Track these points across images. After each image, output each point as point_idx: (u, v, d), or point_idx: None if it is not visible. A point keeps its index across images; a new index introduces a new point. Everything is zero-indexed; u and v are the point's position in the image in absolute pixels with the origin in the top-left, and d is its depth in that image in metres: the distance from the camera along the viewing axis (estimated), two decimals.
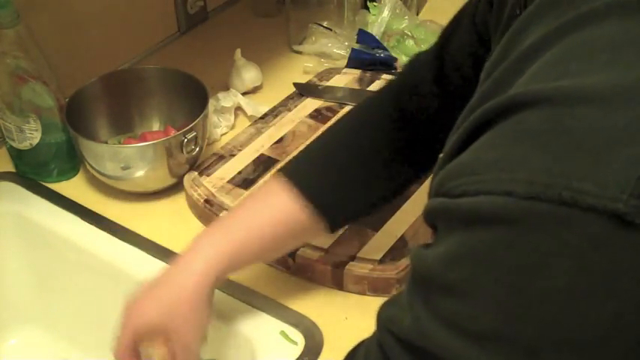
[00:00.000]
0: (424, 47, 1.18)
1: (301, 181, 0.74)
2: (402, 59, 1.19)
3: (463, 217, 0.42)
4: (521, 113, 0.41)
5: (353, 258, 0.84)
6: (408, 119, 0.77)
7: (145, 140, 0.98)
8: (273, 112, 1.08)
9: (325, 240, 0.86)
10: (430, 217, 0.48)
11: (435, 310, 0.44)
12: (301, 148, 1.00)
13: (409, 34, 1.21)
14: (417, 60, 0.79)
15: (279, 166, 0.97)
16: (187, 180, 0.96)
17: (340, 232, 0.87)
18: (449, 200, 0.44)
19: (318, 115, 1.07)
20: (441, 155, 0.51)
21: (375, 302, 0.83)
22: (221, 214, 0.90)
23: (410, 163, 0.79)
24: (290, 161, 0.82)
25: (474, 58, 0.68)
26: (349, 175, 0.77)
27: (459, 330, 0.42)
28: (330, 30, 1.24)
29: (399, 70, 1.16)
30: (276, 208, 0.74)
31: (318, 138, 0.83)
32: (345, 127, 0.81)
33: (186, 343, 0.71)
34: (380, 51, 1.18)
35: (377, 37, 1.20)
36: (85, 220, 0.94)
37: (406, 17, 1.23)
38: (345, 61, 1.20)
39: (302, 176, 0.75)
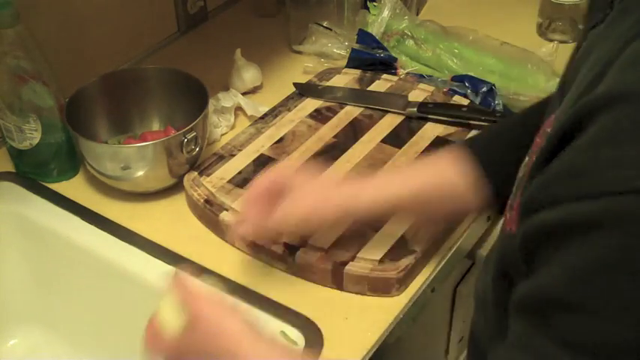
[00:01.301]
0: (424, 47, 1.19)
1: (483, 159, 0.76)
2: (402, 59, 1.19)
3: (584, 222, 0.39)
4: (633, 105, 0.39)
5: (353, 258, 0.84)
6: None
7: (145, 140, 0.98)
8: (273, 112, 1.08)
9: (325, 240, 0.86)
10: (533, 239, 0.44)
11: (561, 337, 0.41)
12: (301, 148, 1.01)
13: (409, 34, 1.21)
14: None
15: None
16: (187, 180, 0.96)
17: (340, 232, 0.87)
18: (562, 208, 0.40)
19: (318, 115, 1.07)
20: (525, 161, 0.50)
21: (375, 302, 0.84)
22: (221, 214, 0.90)
23: None
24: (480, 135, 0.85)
25: None
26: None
27: (596, 350, 0.39)
28: (330, 30, 1.24)
29: (398, 71, 1.16)
30: (450, 179, 0.76)
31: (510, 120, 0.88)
32: (525, 111, 0.83)
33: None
34: (380, 51, 1.18)
35: (377, 37, 1.20)
36: (85, 220, 0.94)
37: (406, 17, 1.23)
38: (345, 61, 1.20)
39: (485, 154, 0.77)
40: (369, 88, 1.13)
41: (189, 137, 0.94)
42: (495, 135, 0.82)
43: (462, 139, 1.00)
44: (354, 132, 1.04)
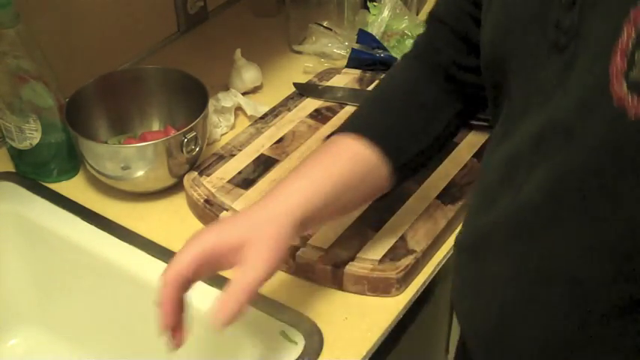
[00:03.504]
0: None
1: (362, 128, 0.75)
2: None
3: None
4: None
5: (353, 258, 0.84)
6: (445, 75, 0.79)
7: (145, 140, 0.98)
8: (273, 112, 1.08)
9: (325, 240, 0.86)
10: None
11: None
12: (301, 148, 1.01)
13: (409, 34, 1.21)
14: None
15: (278, 166, 0.98)
16: (187, 180, 0.96)
17: (340, 232, 0.87)
18: None
19: (318, 115, 1.07)
20: None
21: (375, 302, 0.84)
22: (221, 215, 0.90)
23: (456, 113, 0.80)
24: (346, 120, 0.82)
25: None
26: (405, 118, 0.77)
27: None
28: (330, 30, 1.24)
29: None
30: (345, 150, 0.75)
31: (367, 98, 0.84)
32: (389, 85, 0.83)
33: (261, 259, 0.67)
34: (380, 51, 1.18)
35: (377, 37, 1.20)
36: (85, 220, 0.94)
37: (406, 17, 1.23)
38: (345, 61, 1.20)
39: (362, 124, 0.77)
40: (369, 88, 1.13)
41: (189, 137, 0.94)
42: (371, 114, 0.81)
43: (463, 140, 1.00)
44: None
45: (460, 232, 0.75)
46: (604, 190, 0.53)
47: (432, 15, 0.81)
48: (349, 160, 0.75)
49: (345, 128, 0.78)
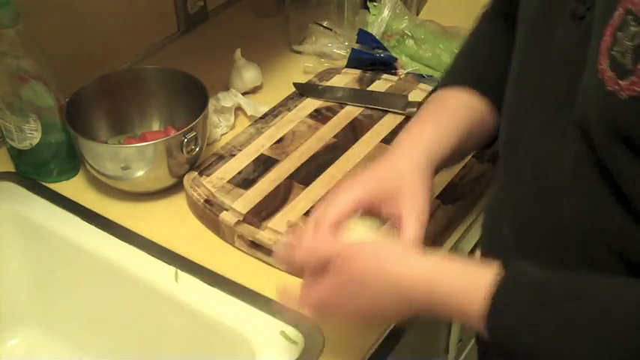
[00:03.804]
0: (424, 47, 1.19)
1: (469, 81, 0.78)
2: (402, 59, 1.19)
3: None
4: None
5: None
6: None
7: (145, 140, 0.98)
8: (273, 112, 1.08)
9: None
10: None
11: None
12: (301, 148, 1.01)
13: (409, 34, 1.21)
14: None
15: (278, 166, 0.98)
16: (187, 180, 0.96)
17: None
18: None
19: (318, 115, 1.07)
20: None
21: None
22: (221, 215, 0.90)
23: None
24: (446, 74, 0.84)
25: None
26: (505, 71, 0.77)
27: None
28: (330, 30, 1.24)
29: (398, 71, 1.16)
30: (459, 101, 0.77)
31: (463, 53, 0.85)
32: (481, 38, 0.84)
33: (421, 205, 0.68)
34: (380, 51, 1.18)
35: (377, 37, 1.20)
36: (85, 220, 0.94)
37: (406, 17, 1.23)
38: (345, 61, 1.20)
39: (467, 77, 0.79)
40: (369, 88, 1.13)
41: (189, 137, 0.94)
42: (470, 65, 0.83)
43: None
44: (354, 132, 1.04)
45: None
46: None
47: None
48: (466, 110, 0.76)
49: (451, 82, 0.79)
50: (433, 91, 0.81)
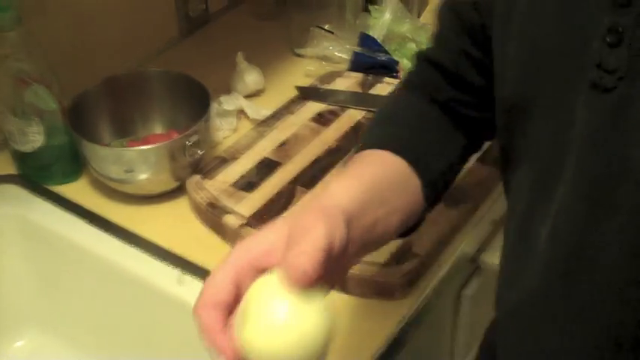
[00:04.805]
0: None
1: (386, 145, 0.69)
2: (404, 62, 1.19)
3: None
4: None
5: (357, 261, 0.84)
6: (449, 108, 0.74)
7: (148, 143, 0.98)
8: (276, 116, 1.08)
9: None
10: None
11: None
12: (304, 151, 1.01)
13: (410, 37, 1.21)
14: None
15: (281, 169, 0.98)
16: (190, 183, 0.96)
17: None
18: None
19: (320, 119, 1.08)
20: None
21: (378, 306, 0.83)
22: (224, 218, 0.90)
23: (463, 145, 0.75)
24: (363, 139, 0.74)
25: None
26: (425, 139, 0.72)
27: None
28: (332, 33, 1.24)
29: (400, 74, 1.16)
30: (378, 157, 0.68)
31: (380, 118, 0.77)
32: (398, 106, 0.77)
33: (317, 239, 0.54)
34: (382, 54, 1.18)
35: (378, 40, 1.20)
36: (89, 223, 0.94)
37: (407, 20, 1.24)
38: (346, 64, 1.20)
39: (384, 142, 0.70)
40: (371, 92, 1.13)
41: (191, 140, 0.94)
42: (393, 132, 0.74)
43: None
44: (356, 135, 1.04)
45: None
46: None
47: (422, 56, 0.76)
48: (384, 164, 0.68)
49: (368, 146, 0.71)
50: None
